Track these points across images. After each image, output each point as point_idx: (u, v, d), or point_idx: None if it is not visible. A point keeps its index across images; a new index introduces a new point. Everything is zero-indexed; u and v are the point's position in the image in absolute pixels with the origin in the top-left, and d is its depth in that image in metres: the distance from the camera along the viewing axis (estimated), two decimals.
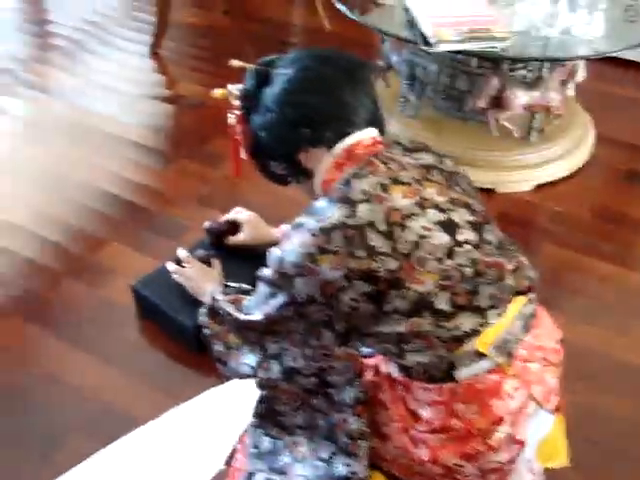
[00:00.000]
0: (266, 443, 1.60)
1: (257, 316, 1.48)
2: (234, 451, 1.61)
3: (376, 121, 1.47)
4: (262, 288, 1.47)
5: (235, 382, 1.72)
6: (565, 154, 2.64)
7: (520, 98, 2.40)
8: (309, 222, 1.32)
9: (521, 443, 1.42)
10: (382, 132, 1.49)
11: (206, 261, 1.98)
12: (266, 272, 1.42)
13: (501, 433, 1.37)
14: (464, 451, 1.38)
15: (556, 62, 2.40)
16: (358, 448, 1.47)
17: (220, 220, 2.13)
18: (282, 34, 3.72)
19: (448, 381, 1.36)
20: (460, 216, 1.36)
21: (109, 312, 2.09)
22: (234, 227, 2.11)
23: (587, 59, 2.55)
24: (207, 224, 2.11)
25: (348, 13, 2.46)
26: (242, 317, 1.56)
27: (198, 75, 3.34)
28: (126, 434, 1.69)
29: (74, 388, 1.86)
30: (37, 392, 1.85)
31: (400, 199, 1.32)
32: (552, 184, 2.61)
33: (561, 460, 1.64)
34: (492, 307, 1.35)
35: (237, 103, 1.53)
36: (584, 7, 2.32)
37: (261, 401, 1.59)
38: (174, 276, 1.94)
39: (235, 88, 1.52)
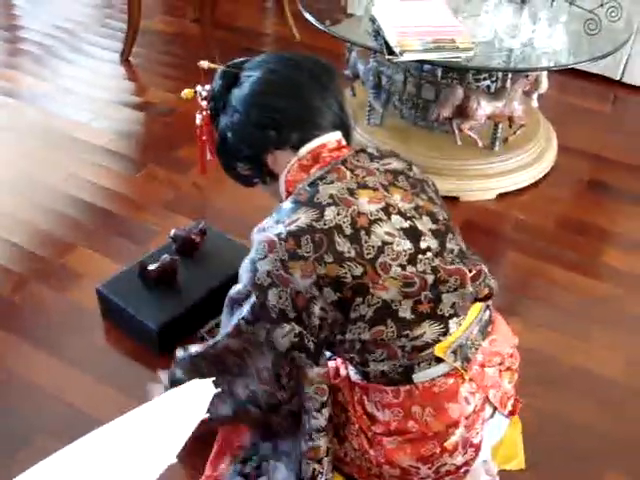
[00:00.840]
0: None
1: (227, 330, 1.42)
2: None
3: (342, 124, 1.47)
4: (230, 303, 1.42)
5: (194, 382, 1.74)
6: (528, 164, 2.69)
7: (484, 108, 2.45)
8: (276, 227, 1.32)
9: (476, 447, 1.44)
10: (348, 135, 1.49)
11: (170, 267, 2.00)
12: (238, 286, 1.38)
13: (457, 436, 1.39)
14: (419, 453, 1.40)
15: (519, 73, 2.45)
16: (323, 467, 1.44)
17: (185, 228, 2.15)
18: (252, 42, 3.75)
19: (405, 383, 1.38)
20: (423, 224, 1.37)
21: (75, 315, 2.09)
22: (200, 235, 2.13)
23: (549, 70, 2.60)
24: (173, 231, 2.13)
25: (315, 23, 2.49)
26: (209, 344, 1.50)
27: (168, 82, 3.36)
28: (90, 433, 1.71)
29: (39, 390, 1.86)
30: (2, 393, 1.86)
31: (366, 204, 1.33)
32: (515, 193, 2.65)
33: (518, 462, 1.68)
34: (453, 315, 1.36)
35: (205, 104, 1.53)
36: (545, 20, 2.37)
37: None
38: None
39: (203, 89, 1.52)
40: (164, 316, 1.92)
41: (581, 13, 2.56)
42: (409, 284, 1.31)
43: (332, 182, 1.35)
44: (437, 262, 1.34)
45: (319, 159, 1.40)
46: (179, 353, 1.62)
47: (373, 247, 1.29)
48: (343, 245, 1.28)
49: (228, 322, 1.43)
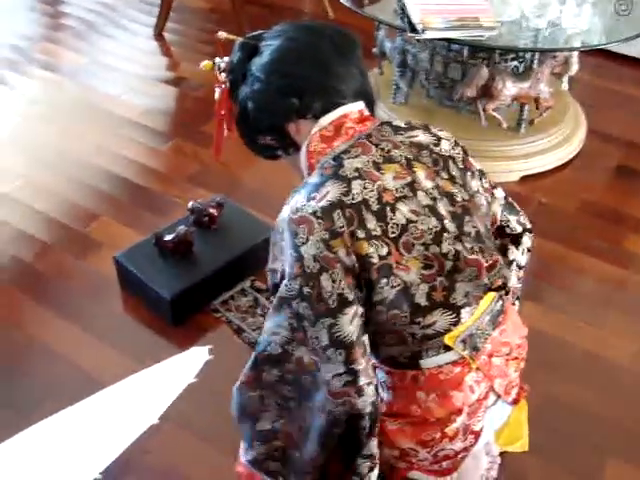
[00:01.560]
0: None
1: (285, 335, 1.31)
2: None
3: (364, 93, 1.41)
4: (280, 302, 1.31)
5: (192, 350, 1.80)
6: (554, 147, 2.65)
7: (509, 89, 2.42)
8: (308, 204, 1.26)
9: (476, 434, 1.44)
10: (371, 105, 1.44)
11: (185, 238, 2.03)
12: (285, 282, 1.28)
13: (458, 423, 1.39)
14: (420, 437, 1.39)
15: (545, 53, 2.41)
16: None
17: (204, 201, 2.18)
18: (285, 19, 3.73)
19: (412, 368, 1.37)
20: (443, 205, 1.34)
21: (95, 283, 2.15)
22: (217, 208, 2.16)
23: (578, 51, 2.55)
24: (191, 204, 2.16)
25: (345, 2, 2.49)
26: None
27: (200, 57, 3.31)
28: (92, 397, 1.78)
29: (57, 355, 1.93)
30: (22, 356, 1.92)
31: (392, 180, 1.30)
32: (539, 176, 2.63)
33: (522, 445, 1.68)
34: (466, 305, 1.34)
35: (224, 76, 1.48)
36: None
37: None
38: None
39: (222, 60, 1.48)
40: (178, 286, 1.96)
41: None
42: (428, 266, 1.28)
43: (357, 156, 1.32)
44: (459, 247, 1.31)
45: (341, 130, 1.36)
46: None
47: (397, 225, 1.26)
48: (370, 222, 1.25)
49: (275, 324, 1.32)
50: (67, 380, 1.85)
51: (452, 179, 1.39)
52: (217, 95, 1.53)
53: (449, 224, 1.32)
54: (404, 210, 1.28)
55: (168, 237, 2.04)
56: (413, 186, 1.31)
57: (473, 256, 1.34)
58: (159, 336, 1.98)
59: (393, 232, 1.26)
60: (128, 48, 3.50)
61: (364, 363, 1.29)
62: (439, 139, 1.42)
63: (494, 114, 2.51)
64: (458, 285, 1.32)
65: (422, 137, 1.40)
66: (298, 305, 1.28)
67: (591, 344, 1.99)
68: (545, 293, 2.15)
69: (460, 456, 1.46)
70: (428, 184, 1.34)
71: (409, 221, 1.28)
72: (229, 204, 2.22)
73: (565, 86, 2.79)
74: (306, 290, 1.27)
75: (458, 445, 1.42)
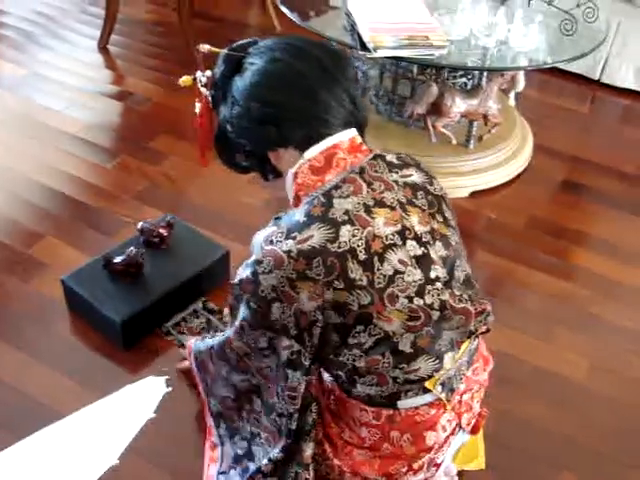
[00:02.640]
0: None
1: (236, 323, 1.37)
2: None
3: (355, 119, 1.34)
4: (233, 301, 1.37)
5: (148, 380, 1.76)
6: (502, 162, 2.69)
7: (458, 106, 2.44)
8: (285, 242, 1.22)
9: (438, 466, 1.46)
10: (362, 131, 1.37)
11: (135, 260, 1.99)
12: (238, 292, 1.32)
13: (425, 459, 1.41)
14: (387, 470, 1.40)
15: (494, 72, 2.44)
16: (309, 473, 1.42)
17: (153, 221, 2.14)
18: (233, 33, 3.71)
19: (388, 408, 1.35)
20: (435, 251, 1.30)
21: (40, 306, 2.08)
22: (167, 228, 2.11)
23: (524, 70, 2.59)
24: (140, 224, 2.12)
25: (291, 16, 2.48)
26: (224, 335, 1.47)
27: (146, 71, 3.33)
28: (48, 427, 1.72)
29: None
30: None
31: (382, 226, 1.25)
32: (488, 192, 2.65)
33: (478, 463, 1.69)
34: (449, 351, 1.34)
35: (204, 91, 1.44)
36: (521, 19, 2.37)
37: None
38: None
39: (203, 75, 1.43)
40: (128, 309, 1.91)
41: (557, 13, 2.55)
42: (414, 317, 1.26)
43: (348, 196, 1.25)
44: (447, 295, 1.30)
45: (333, 161, 1.29)
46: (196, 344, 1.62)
47: (384, 276, 1.23)
48: (355, 272, 1.21)
49: (235, 311, 1.37)
50: (14, 408, 1.78)
51: (446, 221, 1.36)
52: (197, 110, 1.48)
53: (440, 270, 1.30)
54: (393, 260, 1.24)
55: (118, 259, 1.99)
56: (404, 234, 1.26)
57: (461, 305, 1.32)
58: (110, 360, 1.92)
59: (379, 282, 1.23)
60: (70, 60, 3.41)
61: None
62: (431, 178, 1.39)
63: (443, 130, 2.53)
64: (444, 333, 1.31)
65: (416, 177, 1.36)
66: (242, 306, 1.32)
67: (542, 360, 2.01)
68: (494, 308, 2.15)
69: None
70: (422, 229, 1.30)
71: (396, 272, 1.24)
72: (179, 223, 2.18)
73: (512, 102, 2.84)
74: (253, 305, 1.28)
75: (420, 477, 1.44)
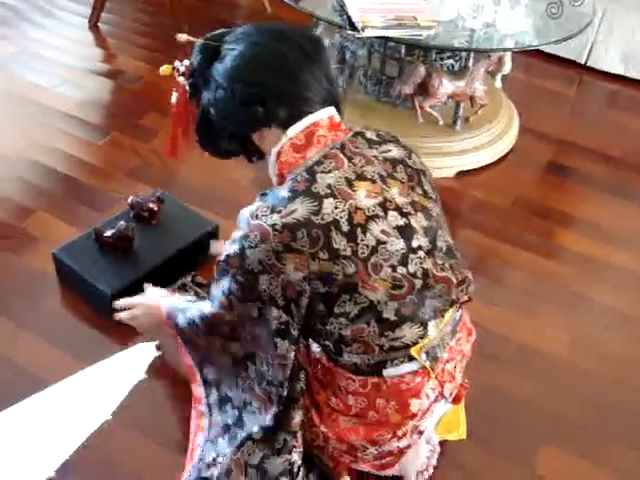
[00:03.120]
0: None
1: (219, 300, 1.42)
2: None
3: (333, 99, 1.40)
4: (219, 269, 1.40)
5: (138, 346, 1.80)
6: (488, 143, 2.72)
7: (445, 87, 2.47)
8: (270, 216, 1.27)
9: (421, 432, 1.50)
10: (339, 110, 1.42)
11: (125, 234, 2.02)
12: (224, 265, 1.35)
13: (409, 426, 1.44)
14: (371, 437, 1.44)
15: (480, 53, 2.47)
16: (297, 440, 1.46)
17: (144, 196, 2.17)
18: (223, 13, 3.73)
19: (374, 376, 1.39)
20: (417, 221, 1.35)
21: (32, 279, 2.11)
22: (158, 203, 2.15)
23: (511, 51, 2.63)
24: (131, 199, 2.15)
25: None
26: (207, 311, 1.49)
27: (137, 50, 3.35)
28: (36, 395, 1.76)
29: None
30: None
31: (364, 198, 1.30)
32: (474, 172, 2.69)
33: (459, 434, 1.74)
34: (433, 318, 1.38)
35: (182, 80, 1.47)
36: (508, 2, 2.40)
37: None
38: (126, 320, 1.85)
39: (181, 64, 1.45)
40: (118, 282, 1.94)
41: None
42: (398, 286, 1.30)
43: (330, 171, 1.30)
44: (429, 264, 1.34)
45: (313, 139, 1.35)
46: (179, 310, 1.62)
47: (367, 246, 1.27)
48: (339, 242, 1.26)
49: (218, 288, 1.40)
50: (5, 378, 1.82)
51: (426, 194, 1.42)
52: (174, 99, 1.51)
53: (422, 239, 1.35)
54: (375, 231, 1.29)
55: (108, 232, 2.02)
56: (385, 205, 1.32)
57: (443, 273, 1.37)
58: (99, 332, 1.95)
59: (363, 253, 1.27)
60: (60, 38, 3.42)
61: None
62: (410, 152, 1.45)
63: (430, 111, 2.57)
64: (427, 301, 1.36)
65: (395, 152, 1.41)
66: (228, 279, 1.35)
67: (525, 335, 2.06)
68: (478, 285, 2.19)
69: (402, 452, 1.51)
70: (402, 200, 1.35)
71: (379, 242, 1.29)
72: (169, 199, 2.21)
73: (498, 84, 2.88)
74: (240, 278, 1.32)
75: (404, 443, 1.48)
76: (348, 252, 1.26)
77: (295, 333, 1.35)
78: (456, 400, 1.56)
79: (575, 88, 3.39)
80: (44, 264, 2.12)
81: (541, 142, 2.92)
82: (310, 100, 1.35)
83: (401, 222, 1.32)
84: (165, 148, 1.62)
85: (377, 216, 1.30)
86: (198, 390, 1.68)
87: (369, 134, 1.42)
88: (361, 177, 1.32)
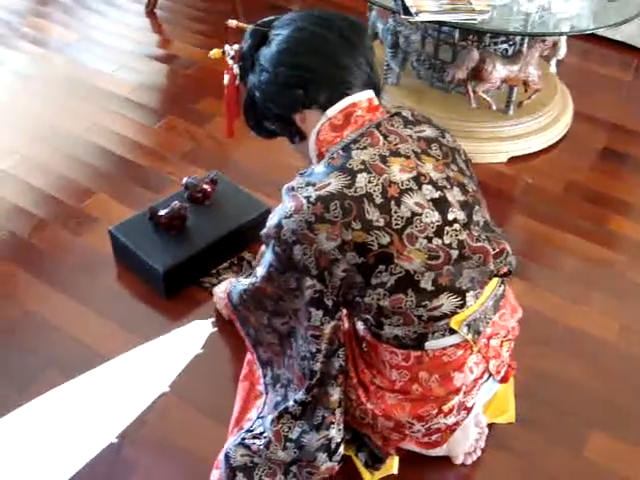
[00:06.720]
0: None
1: (262, 272, 1.47)
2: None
3: (372, 83, 1.45)
4: (264, 248, 1.47)
5: (194, 323, 1.85)
6: (542, 129, 2.70)
7: (499, 71, 2.46)
8: (306, 189, 1.32)
9: (469, 409, 1.51)
10: (378, 94, 1.47)
11: (179, 213, 2.07)
12: (265, 237, 1.40)
13: (454, 401, 1.46)
14: (417, 413, 1.46)
15: (535, 37, 2.45)
16: (335, 417, 1.50)
17: (198, 177, 2.22)
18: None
19: (417, 349, 1.42)
20: (453, 195, 1.37)
21: (90, 258, 2.18)
22: (211, 184, 2.19)
23: (566, 36, 2.60)
24: (185, 180, 2.20)
25: None
26: (251, 284, 1.55)
27: (192, 35, 3.41)
28: (95, 369, 1.83)
29: (52, 327, 1.95)
30: (17, 329, 1.95)
31: (398, 172, 1.33)
32: (527, 157, 2.67)
33: (508, 416, 1.76)
34: (471, 289, 1.39)
35: (232, 63, 1.54)
36: None
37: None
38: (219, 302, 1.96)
39: (231, 48, 1.52)
40: (171, 259, 1.99)
41: None
42: (434, 257, 1.32)
43: (365, 147, 1.35)
44: (465, 235, 1.36)
45: (351, 119, 1.39)
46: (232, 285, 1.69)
47: (402, 218, 1.30)
48: (372, 214, 1.29)
49: (261, 262, 1.47)
50: (66, 352, 1.89)
51: (461, 171, 1.45)
52: (226, 81, 1.58)
53: (458, 213, 1.37)
54: (409, 203, 1.32)
55: (162, 212, 2.07)
56: (419, 180, 1.34)
57: (479, 244, 1.38)
58: (153, 309, 2.01)
59: (397, 224, 1.30)
60: (119, 24, 3.50)
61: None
62: (443, 132, 1.48)
63: (484, 96, 2.56)
64: (465, 271, 1.37)
65: (429, 131, 1.45)
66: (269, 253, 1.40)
67: (575, 321, 2.05)
68: (530, 271, 2.20)
69: (450, 430, 1.53)
70: (437, 175, 1.38)
71: (414, 214, 1.31)
72: (223, 181, 2.26)
73: (553, 69, 2.85)
74: (277, 249, 1.37)
75: (451, 420, 1.50)
76: (381, 223, 1.29)
77: (329, 303, 1.38)
78: (504, 379, 1.57)
79: (632, 73, 3.32)
80: (102, 243, 2.19)
81: (596, 128, 2.88)
82: (350, 84, 1.40)
83: (436, 195, 1.35)
84: (225, 128, 1.68)
85: (411, 189, 1.32)
86: (257, 371, 1.72)
87: (405, 113, 1.45)
88: (395, 154, 1.36)
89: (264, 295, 1.51)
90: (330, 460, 1.52)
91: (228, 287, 1.73)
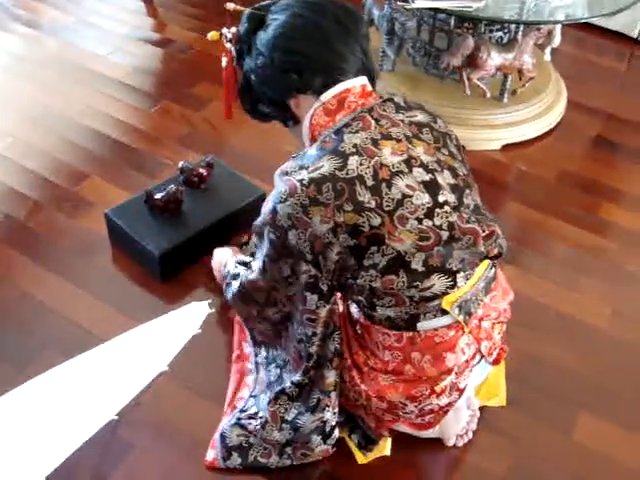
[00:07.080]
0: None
1: (257, 264, 1.50)
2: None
3: (366, 70, 1.47)
4: (255, 232, 1.49)
5: (192, 305, 1.87)
6: (535, 116, 2.72)
7: (493, 59, 2.47)
8: (299, 172, 1.35)
9: (461, 391, 1.53)
10: (373, 81, 1.50)
11: (175, 197, 2.08)
12: (260, 218, 1.44)
13: (447, 382, 1.48)
14: (410, 393, 1.49)
15: (530, 25, 2.46)
16: (330, 399, 1.53)
17: (194, 161, 2.22)
18: None
19: (409, 330, 1.44)
20: (443, 178, 1.40)
21: (85, 241, 2.19)
22: (207, 168, 2.20)
23: (561, 24, 2.61)
24: (181, 164, 2.20)
25: None
26: (245, 278, 1.59)
27: (188, 20, 3.40)
28: (91, 350, 1.84)
29: (49, 309, 1.96)
30: (14, 311, 1.96)
31: (389, 155, 1.35)
32: (520, 145, 2.69)
33: (499, 400, 1.78)
34: (461, 270, 1.41)
35: (230, 46, 1.56)
36: None
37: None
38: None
39: (229, 31, 1.54)
40: (166, 242, 2.00)
41: None
42: (424, 238, 1.35)
43: (357, 131, 1.37)
44: (455, 217, 1.39)
45: (344, 104, 1.42)
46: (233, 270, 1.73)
47: (393, 199, 1.33)
48: (364, 195, 1.31)
49: (256, 253, 1.51)
50: (62, 334, 1.90)
51: (452, 155, 1.47)
52: (224, 63, 1.60)
53: (449, 195, 1.39)
54: (400, 185, 1.34)
55: (158, 195, 2.08)
56: (410, 162, 1.37)
57: (469, 225, 1.41)
58: (148, 292, 2.03)
59: (388, 205, 1.33)
60: (114, 8, 3.49)
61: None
62: (435, 117, 1.51)
63: (478, 83, 2.57)
64: (455, 252, 1.39)
65: (421, 117, 1.47)
66: (264, 242, 1.43)
67: (567, 306, 2.07)
68: (522, 257, 2.22)
69: (443, 411, 1.55)
70: (428, 158, 1.40)
71: (404, 196, 1.34)
72: (219, 165, 2.26)
73: (547, 57, 2.86)
74: (272, 236, 1.39)
75: (443, 401, 1.52)
76: (372, 205, 1.31)
77: (324, 288, 1.41)
78: (496, 362, 1.59)
79: (626, 63, 3.34)
80: (97, 226, 2.20)
81: (589, 117, 2.90)
82: (344, 70, 1.42)
83: (426, 178, 1.37)
84: (223, 109, 1.71)
85: (402, 172, 1.35)
86: (247, 349, 1.75)
87: (397, 99, 1.48)
88: (387, 137, 1.38)
89: (256, 289, 1.55)
90: (324, 443, 1.56)
91: (222, 260, 1.82)
